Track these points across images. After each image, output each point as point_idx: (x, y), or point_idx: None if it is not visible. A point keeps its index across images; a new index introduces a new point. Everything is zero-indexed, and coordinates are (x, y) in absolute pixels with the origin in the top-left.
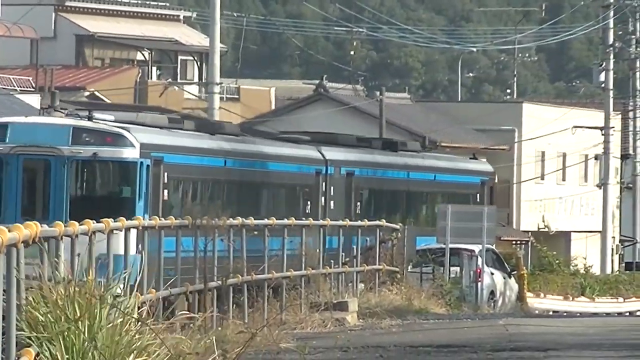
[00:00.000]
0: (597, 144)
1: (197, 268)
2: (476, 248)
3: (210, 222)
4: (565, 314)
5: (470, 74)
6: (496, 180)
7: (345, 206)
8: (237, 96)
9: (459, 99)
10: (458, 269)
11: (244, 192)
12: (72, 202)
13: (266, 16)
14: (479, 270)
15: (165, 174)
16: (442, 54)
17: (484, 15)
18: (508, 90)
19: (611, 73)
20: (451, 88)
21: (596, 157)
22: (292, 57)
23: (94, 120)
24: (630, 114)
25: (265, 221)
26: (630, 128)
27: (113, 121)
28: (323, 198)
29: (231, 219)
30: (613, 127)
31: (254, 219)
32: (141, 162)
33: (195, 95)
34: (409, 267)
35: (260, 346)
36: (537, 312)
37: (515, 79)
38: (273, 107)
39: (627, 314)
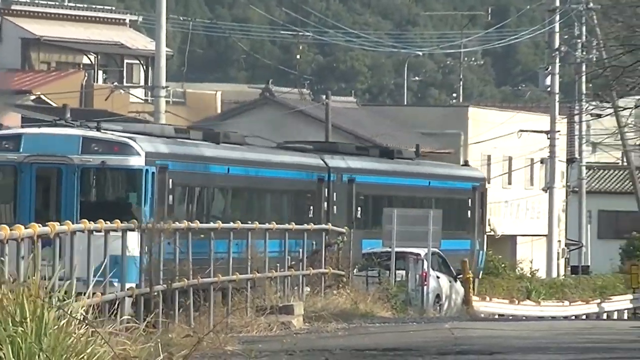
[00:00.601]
0: (543, 148)
1: (144, 271)
2: (422, 252)
3: (155, 226)
4: (511, 317)
5: (417, 78)
6: (487, 186)
7: (347, 211)
8: (183, 100)
9: (405, 103)
10: (404, 272)
11: (248, 198)
12: (82, 207)
13: (212, 20)
14: (424, 274)
15: (170, 180)
16: (389, 58)
17: (430, 19)
18: (454, 94)
19: (557, 77)
20: (397, 92)
21: (542, 161)
22: (238, 61)
23: (102, 131)
24: (576, 118)
25: (211, 224)
26: (576, 132)
27: (120, 131)
28: (326, 203)
29: (177, 223)
30: (559, 131)
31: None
32: (146, 170)
33: (141, 99)
34: (355, 271)
35: (206, 350)
36: (482, 315)
37: (461, 82)
38: (219, 110)
39: (573, 317)
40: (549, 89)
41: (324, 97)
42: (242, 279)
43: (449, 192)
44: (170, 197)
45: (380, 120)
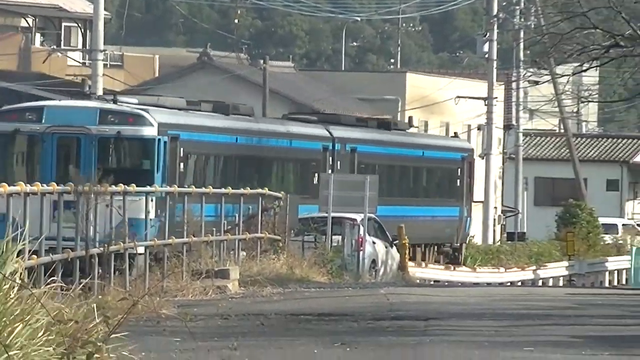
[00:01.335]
0: (480, 114)
1: (79, 234)
2: (358, 217)
3: (92, 189)
4: (446, 283)
5: (355, 44)
6: (475, 156)
7: None
8: (120, 63)
9: (343, 69)
10: (340, 237)
11: (256, 166)
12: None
13: None
14: (360, 239)
15: (181, 149)
16: (327, 23)
17: None
18: (392, 60)
19: (495, 44)
20: (335, 57)
21: (479, 128)
22: (176, 25)
23: (118, 103)
24: (514, 85)
25: (148, 188)
26: (513, 99)
27: (136, 104)
28: (330, 171)
29: (113, 186)
30: (496, 98)
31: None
32: (159, 139)
33: (79, 62)
34: (291, 236)
35: (141, 313)
36: (418, 281)
37: (399, 48)
38: (157, 74)
39: (508, 284)
40: (486, 56)
41: (261, 61)
42: (178, 243)
43: (440, 161)
44: (182, 164)
45: (318, 85)
